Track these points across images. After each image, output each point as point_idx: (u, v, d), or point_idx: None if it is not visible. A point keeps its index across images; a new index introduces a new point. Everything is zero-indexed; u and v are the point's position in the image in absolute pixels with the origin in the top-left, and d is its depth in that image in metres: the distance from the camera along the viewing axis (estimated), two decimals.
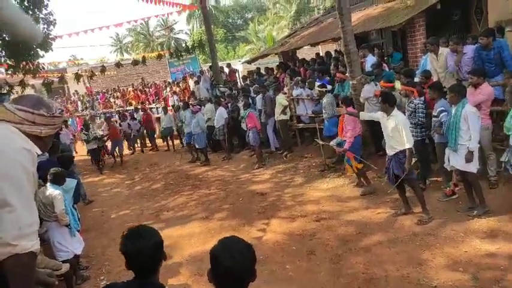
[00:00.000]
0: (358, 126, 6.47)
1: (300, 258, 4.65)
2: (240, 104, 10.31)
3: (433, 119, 5.40)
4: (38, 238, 1.65)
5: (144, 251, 1.70)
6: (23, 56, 10.92)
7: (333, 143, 7.30)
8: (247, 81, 12.93)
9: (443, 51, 6.67)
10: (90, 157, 12.24)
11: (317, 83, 8.69)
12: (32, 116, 1.72)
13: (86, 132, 11.49)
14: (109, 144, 12.42)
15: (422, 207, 5.02)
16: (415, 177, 5.23)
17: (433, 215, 5.00)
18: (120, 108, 17.41)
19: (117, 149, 12.40)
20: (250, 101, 10.00)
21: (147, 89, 19.40)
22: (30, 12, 10.80)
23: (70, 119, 17.62)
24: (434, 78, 6.59)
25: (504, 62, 5.91)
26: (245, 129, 10.18)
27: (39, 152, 1.75)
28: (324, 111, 7.94)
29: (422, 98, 5.73)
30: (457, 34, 8.12)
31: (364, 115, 5.83)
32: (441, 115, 5.18)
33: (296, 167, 8.52)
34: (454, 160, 4.84)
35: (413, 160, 4.98)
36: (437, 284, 3.63)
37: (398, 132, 4.85)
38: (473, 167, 4.68)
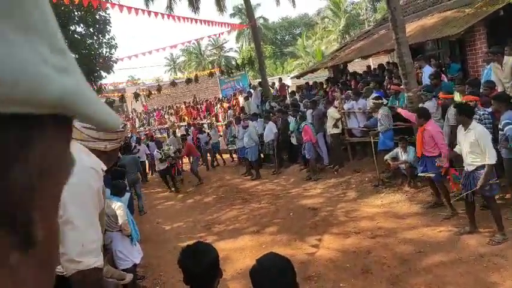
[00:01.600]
0: None
1: (354, 276, 4.50)
2: (290, 119, 10.35)
3: (500, 132, 5.04)
4: (101, 254, 1.72)
5: (200, 268, 1.73)
6: (87, 77, 11.90)
7: (387, 157, 7.07)
8: (296, 96, 12.95)
9: (508, 60, 6.24)
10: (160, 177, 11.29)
11: (373, 95, 8.44)
12: (96, 134, 1.78)
13: (159, 151, 10.70)
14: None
15: (499, 226, 4.59)
16: (495, 194, 4.77)
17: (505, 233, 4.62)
18: (176, 124, 18.19)
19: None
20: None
21: (198, 106, 20.15)
22: (95, 38, 11.76)
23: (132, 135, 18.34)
24: (499, 89, 6.18)
25: None
26: (295, 143, 10.19)
27: (105, 168, 1.79)
28: (379, 123, 7.67)
29: (488, 109, 5.38)
30: None
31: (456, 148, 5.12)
32: (506, 128, 4.82)
33: (348, 181, 8.32)
34: None
35: (495, 179, 4.56)
36: None
37: (479, 148, 4.47)
38: None
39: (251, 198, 8.70)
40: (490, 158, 4.42)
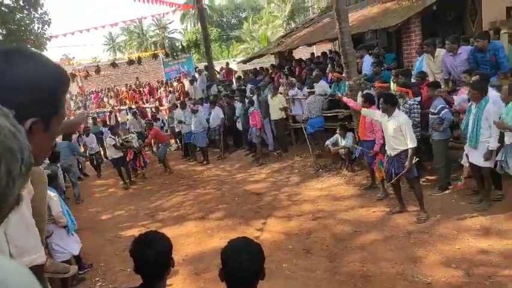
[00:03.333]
0: None
1: (296, 256, 4.70)
2: (237, 104, 10.36)
3: (431, 116, 5.48)
4: (42, 249, 1.62)
5: (152, 258, 1.71)
6: None
7: (328, 142, 7.39)
8: (242, 81, 12.97)
9: (440, 52, 6.73)
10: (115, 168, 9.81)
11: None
12: None
13: (113, 137, 9.41)
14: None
15: (421, 206, 5.07)
16: (416, 175, 5.20)
17: (429, 211, 5.08)
18: (115, 108, 17.33)
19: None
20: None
21: (141, 89, 19.37)
22: (26, 12, 10.75)
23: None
24: (430, 79, 6.69)
25: (499, 63, 5.99)
26: (240, 129, 10.25)
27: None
28: (307, 110, 8.37)
29: (418, 99, 5.81)
30: (452, 35, 8.20)
31: (366, 112, 5.69)
32: (443, 112, 5.29)
33: (292, 166, 8.58)
34: (473, 157, 4.86)
35: (415, 159, 4.98)
36: (432, 280, 3.70)
37: (401, 133, 4.88)
38: (490, 163, 4.71)
39: (196, 184, 8.65)
40: (412, 142, 4.84)
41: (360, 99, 7.13)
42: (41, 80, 0.75)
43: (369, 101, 5.85)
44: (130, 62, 16.12)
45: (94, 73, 15.85)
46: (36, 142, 0.72)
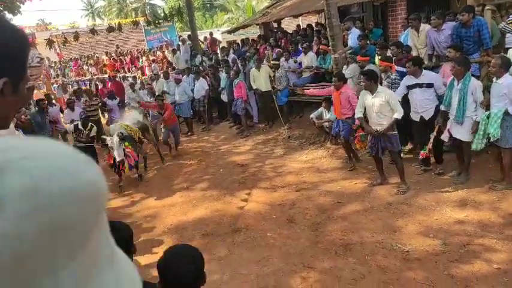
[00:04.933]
0: None
1: (280, 226, 4.82)
2: (222, 75, 10.23)
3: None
4: None
5: (187, 276, 1.60)
6: None
7: (312, 115, 7.43)
8: (231, 52, 12.73)
9: (424, 27, 6.76)
10: None
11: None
12: None
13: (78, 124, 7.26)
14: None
15: (402, 178, 5.23)
16: (400, 149, 5.34)
17: (410, 185, 5.25)
18: (95, 77, 16.81)
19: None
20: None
21: (122, 57, 18.80)
22: None
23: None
24: (414, 54, 6.74)
25: (482, 40, 6.05)
26: (225, 100, 10.17)
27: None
28: (278, 82, 8.82)
29: (401, 69, 5.88)
30: (437, 11, 8.20)
31: (358, 113, 5.43)
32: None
33: (276, 138, 8.63)
34: (458, 132, 4.97)
35: (395, 132, 5.10)
36: (410, 249, 3.88)
37: (388, 107, 4.96)
38: (471, 137, 4.85)
39: (180, 155, 8.63)
40: (399, 113, 4.96)
41: (351, 72, 7.18)
42: (4, 43, 0.74)
43: (342, 79, 5.98)
44: (110, 29, 15.45)
45: (73, 39, 15.18)
46: (5, 104, 0.74)
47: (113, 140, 6.42)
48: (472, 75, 5.73)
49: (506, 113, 4.54)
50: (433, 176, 5.43)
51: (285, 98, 9.09)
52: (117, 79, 13.71)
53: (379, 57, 6.78)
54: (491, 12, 7.54)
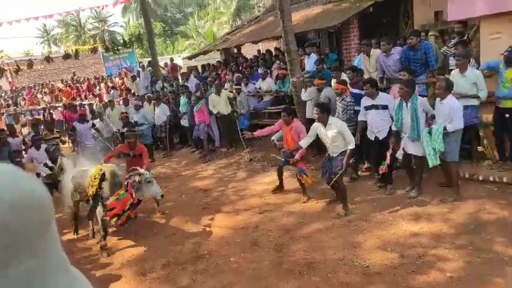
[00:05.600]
0: None
1: (244, 250, 4.77)
2: (182, 100, 10.24)
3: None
4: None
5: None
6: None
7: (274, 138, 7.55)
8: (192, 76, 12.78)
9: (375, 52, 7.20)
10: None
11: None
12: None
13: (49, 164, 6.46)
14: None
15: (344, 203, 5.30)
16: (343, 173, 5.41)
17: (366, 202, 5.42)
18: (49, 105, 16.21)
19: None
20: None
21: (78, 85, 18.33)
22: None
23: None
24: (366, 77, 7.12)
25: (428, 62, 6.51)
26: (186, 125, 10.13)
27: None
28: (240, 106, 9.05)
29: (355, 90, 6.21)
30: (387, 36, 8.80)
31: (304, 142, 5.51)
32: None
33: (238, 162, 8.65)
34: (412, 148, 5.23)
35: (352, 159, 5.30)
36: (369, 263, 3.96)
37: (341, 138, 5.13)
38: (425, 151, 5.08)
39: None
40: (352, 144, 5.14)
41: (309, 95, 7.42)
42: None
43: (291, 114, 6.10)
44: (67, 56, 15.08)
45: (26, 67, 14.66)
46: None
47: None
48: (420, 95, 6.15)
49: (445, 128, 4.88)
50: (387, 192, 5.64)
51: (247, 122, 9.21)
52: (73, 107, 13.16)
53: (335, 80, 7.09)
54: (435, 38, 8.17)
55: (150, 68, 14.64)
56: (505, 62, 5.22)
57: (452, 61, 6.72)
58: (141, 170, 5.15)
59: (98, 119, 9.65)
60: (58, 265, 0.60)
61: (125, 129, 6.77)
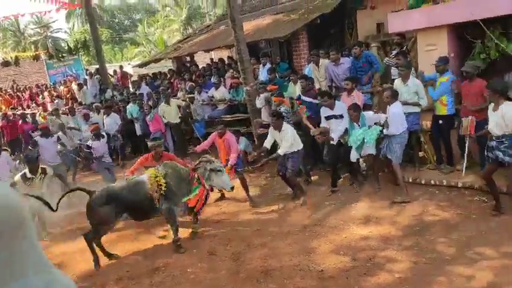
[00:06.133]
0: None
1: (201, 260, 4.74)
2: (132, 107, 10.01)
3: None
4: None
5: None
6: None
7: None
8: (143, 85, 12.49)
9: (323, 62, 7.54)
10: None
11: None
12: None
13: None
14: None
15: (300, 190, 6.02)
16: (296, 171, 6.11)
17: (320, 207, 5.63)
18: None
19: None
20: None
21: (19, 93, 17.18)
22: None
23: None
24: (316, 86, 7.45)
25: (373, 65, 6.98)
26: (139, 133, 9.89)
27: None
28: (195, 113, 9.16)
29: (308, 99, 6.63)
30: (334, 46, 9.22)
31: (267, 144, 6.06)
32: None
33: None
34: (368, 150, 5.76)
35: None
36: (323, 268, 4.11)
37: (292, 140, 5.75)
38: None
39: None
40: (299, 145, 5.82)
41: (261, 102, 7.57)
42: None
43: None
44: (6, 64, 14.18)
45: None
46: None
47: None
48: (366, 104, 6.55)
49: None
50: (341, 195, 5.89)
51: (203, 129, 9.19)
52: (13, 117, 12.01)
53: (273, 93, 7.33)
54: (377, 48, 8.68)
55: (98, 76, 14.11)
56: (436, 71, 5.72)
57: (394, 71, 7.19)
58: (211, 158, 5.14)
59: (61, 132, 8.74)
60: (35, 263, 0.71)
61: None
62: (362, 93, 6.65)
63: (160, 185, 4.86)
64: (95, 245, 4.94)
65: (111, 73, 15.28)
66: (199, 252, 4.93)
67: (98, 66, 14.94)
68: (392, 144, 5.39)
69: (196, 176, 5.05)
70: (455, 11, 5.89)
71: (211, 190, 5.24)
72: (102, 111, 10.48)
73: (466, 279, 3.60)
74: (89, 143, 7.66)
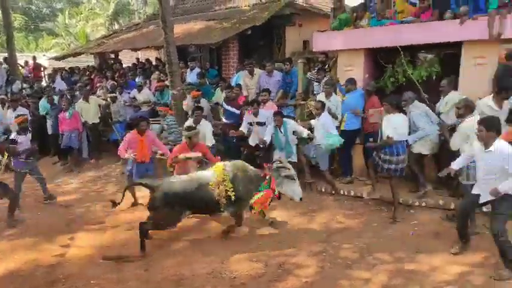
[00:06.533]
0: None
1: (108, 270, 4.43)
2: (43, 103, 9.18)
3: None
4: None
5: None
6: None
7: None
8: (58, 78, 11.51)
9: (258, 71, 7.86)
10: None
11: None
12: None
13: None
14: None
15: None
16: None
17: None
18: None
19: None
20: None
21: None
22: None
23: None
24: (244, 93, 7.66)
25: (293, 84, 7.46)
26: (50, 132, 9.09)
27: None
28: (114, 115, 8.85)
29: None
30: (264, 58, 9.55)
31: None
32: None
33: (109, 175, 8.08)
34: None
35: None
36: (236, 275, 4.10)
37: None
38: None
39: None
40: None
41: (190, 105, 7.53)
42: None
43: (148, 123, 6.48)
44: None
45: None
46: None
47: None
48: (289, 116, 6.85)
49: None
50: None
51: (123, 131, 8.67)
52: None
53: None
54: (303, 64, 9.12)
55: (5, 66, 12.72)
56: (345, 91, 6.46)
57: (316, 86, 7.58)
58: (287, 164, 4.95)
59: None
60: None
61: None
62: (286, 106, 7.20)
63: (228, 190, 4.62)
64: None
65: (22, 64, 13.88)
66: (106, 262, 4.59)
67: (6, 54, 13.47)
68: (321, 154, 5.92)
69: (268, 178, 4.79)
70: (372, 37, 6.42)
71: (279, 198, 5.00)
72: (7, 104, 9.44)
73: (364, 282, 3.88)
74: (13, 136, 6.74)
